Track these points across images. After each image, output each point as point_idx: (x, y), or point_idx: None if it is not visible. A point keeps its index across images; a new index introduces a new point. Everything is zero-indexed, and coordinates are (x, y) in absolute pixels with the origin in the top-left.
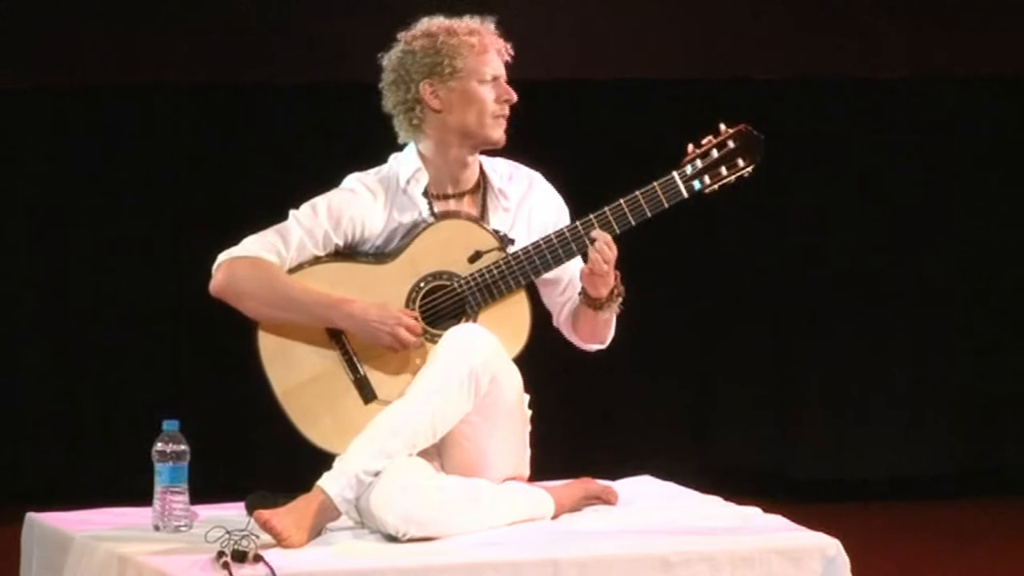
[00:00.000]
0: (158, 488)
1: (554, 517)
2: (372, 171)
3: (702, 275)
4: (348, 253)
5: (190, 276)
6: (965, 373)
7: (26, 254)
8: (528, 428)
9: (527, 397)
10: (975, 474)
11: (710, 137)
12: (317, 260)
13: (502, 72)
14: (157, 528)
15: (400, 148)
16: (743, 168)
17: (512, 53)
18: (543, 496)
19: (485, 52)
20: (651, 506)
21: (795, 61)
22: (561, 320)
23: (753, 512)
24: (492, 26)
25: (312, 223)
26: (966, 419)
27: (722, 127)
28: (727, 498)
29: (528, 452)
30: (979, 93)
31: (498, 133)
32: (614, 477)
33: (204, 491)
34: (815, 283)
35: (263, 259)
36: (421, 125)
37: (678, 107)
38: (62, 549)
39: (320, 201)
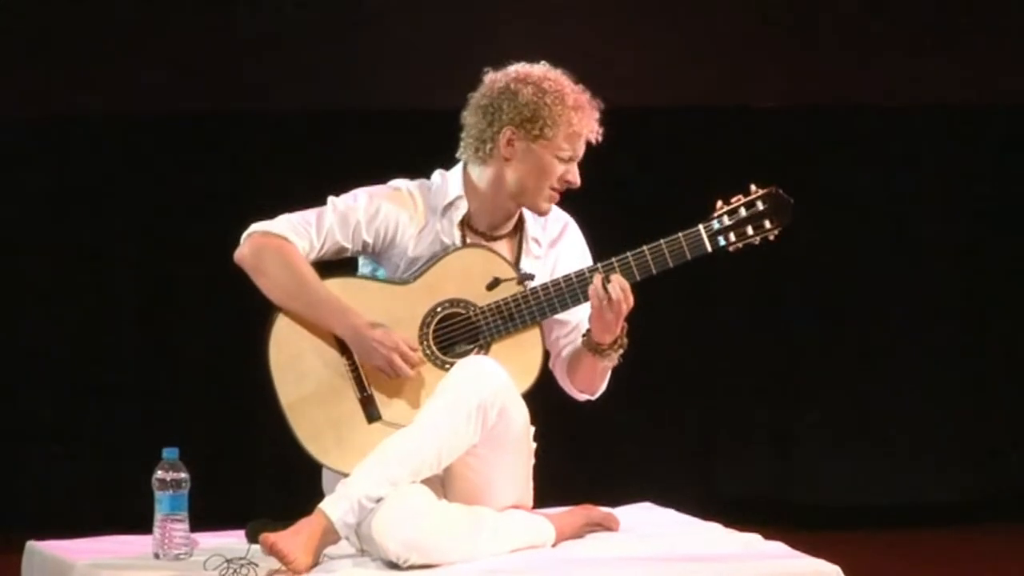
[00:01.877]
0: (158, 516)
1: (555, 544)
2: (417, 181)
3: (703, 300)
4: (368, 276)
5: (190, 304)
6: (969, 399)
7: (24, 282)
8: (532, 460)
9: (532, 429)
10: (978, 501)
11: (739, 196)
12: (338, 273)
13: (580, 154)
14: (157, 556)
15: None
16: (770, 230)
17: (601, 138)
18: (544, 523)
19: (578, 136)
20: (652, 533)
21: (794, 89)
22: (558, 361)
23: (754, 538)
24: (597, 113)
25: (348, 209)
26: (970, 445)
27: (752, 187)
28: (728, 524)
29: (531, 483)
30: (982, 121)
31: (546, 206)
32: (615, 504)
33: (204, 519)
34: (816, 309)
35: (291, 242)
36: (486, 159)
37: (675, 135)
38: None
39: (362, 191)
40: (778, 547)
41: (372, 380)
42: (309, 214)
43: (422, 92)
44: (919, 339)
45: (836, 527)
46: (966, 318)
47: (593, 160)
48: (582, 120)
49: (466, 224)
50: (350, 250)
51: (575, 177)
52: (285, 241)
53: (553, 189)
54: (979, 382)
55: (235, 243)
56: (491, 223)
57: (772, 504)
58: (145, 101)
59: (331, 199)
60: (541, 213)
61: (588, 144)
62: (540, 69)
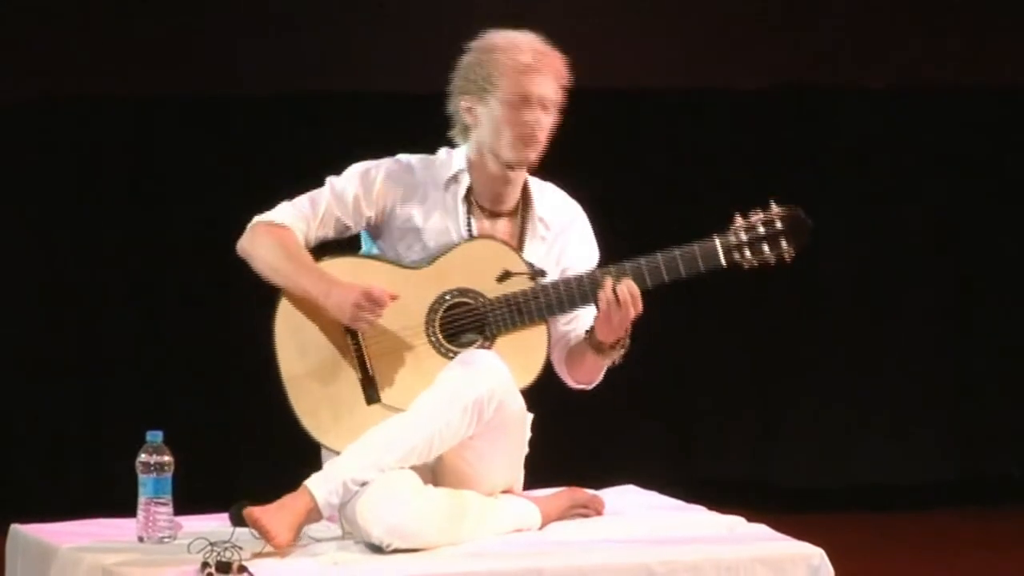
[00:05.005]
0: (142, 499)
1: (541, 527)
2: (420, 155)
3: (685, 286)
4: (379, 256)
5: (175, 288)
6: (950, 382)
7: (9, 267)
8: (526, 450)
9: (530, 416)
10: (961, 483)
11: (759, 212)
12: (348, 253)
13: (547, 95)
14: (141, 539)
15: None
16: (786, 250)
17: (569, 80)
18: (530, 507)
19: (526, 73)
20: (636, 516)
21: (775, 71)
22: (556, 349)
23: (737, 521)
24: (554, 55)
25: (346, 184)
26: (952, 428)
27: (773, 205)
28: (711, 507)
29: (522, 471)
30: (968, 104)
31: (518, 156)
32: (599, 487)
33: (188, 502)
34: (799, 291)
35: (285, 226)
36: (465, 135)
37: (660, 117)
38: (46, 560)
39: (359, 166)
40: (762, 529)
41: (375, 362)
42: (306, 197)
43: (418, 75)
44: (901, 325)
45: (820, 509)
46: (947, 304)
47: (581, 142)
48: (531, 59)
49: (470, 199)
50: (352, 226)
51: (534, 120)
52: (282, 228)
53: (519, 138)
54: (961, 367)
55: (225, 226)
56: (492, 196)
57: (756, 486)
58: (136, 83)
59: (329, 179)
60: (516, 166)
61: (563, 90)
62: (499, 34)
